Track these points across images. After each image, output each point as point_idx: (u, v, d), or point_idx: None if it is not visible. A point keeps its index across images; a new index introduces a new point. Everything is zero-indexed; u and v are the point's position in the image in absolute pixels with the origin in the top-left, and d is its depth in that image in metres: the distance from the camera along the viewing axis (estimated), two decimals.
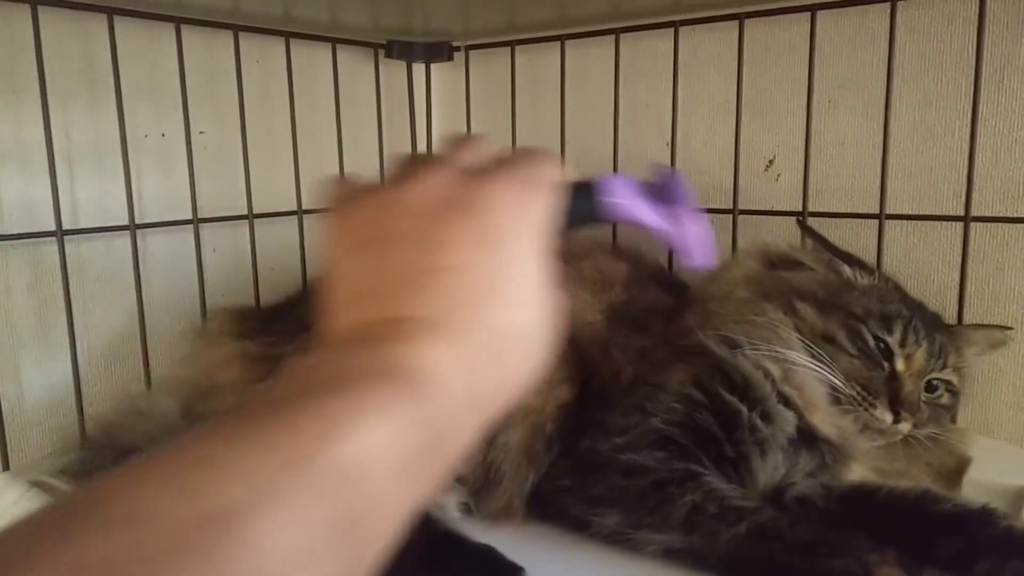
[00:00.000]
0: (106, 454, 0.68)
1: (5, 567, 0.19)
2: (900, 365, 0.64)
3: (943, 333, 0.68)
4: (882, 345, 0.64)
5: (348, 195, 0.36)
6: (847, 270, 0.68)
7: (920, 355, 0.64)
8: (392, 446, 0.26)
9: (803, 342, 0.63)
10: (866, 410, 0.62)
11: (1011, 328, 0.73)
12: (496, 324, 0.32)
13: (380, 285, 0.33)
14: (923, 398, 0.65)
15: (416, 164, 0.36)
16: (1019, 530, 0.53)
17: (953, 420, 0.74)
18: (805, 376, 0.63)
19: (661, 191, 0.41)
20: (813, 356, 0.63)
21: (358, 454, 0.25)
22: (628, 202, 0.40)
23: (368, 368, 0.29)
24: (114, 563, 0.20)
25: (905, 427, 0.63)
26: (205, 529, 0.21)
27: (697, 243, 0.40)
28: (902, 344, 0.64)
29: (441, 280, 0.32)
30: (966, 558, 0.52)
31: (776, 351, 0.63)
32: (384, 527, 0.26)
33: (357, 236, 0.34)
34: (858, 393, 0.62)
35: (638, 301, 0.74)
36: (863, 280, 0.68)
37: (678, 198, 0.41)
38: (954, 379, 0.68)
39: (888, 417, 0.62)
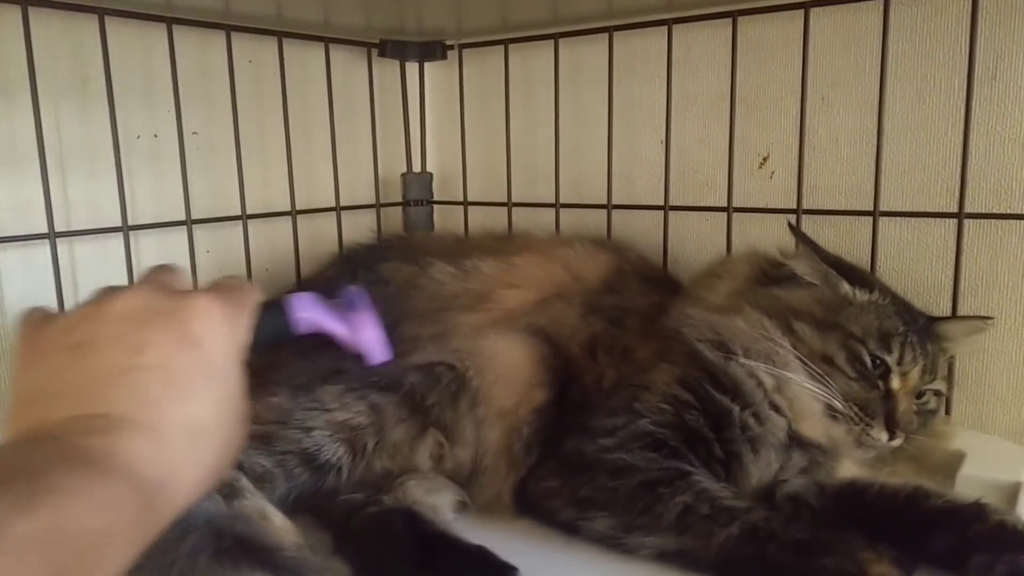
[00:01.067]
0: None
1: None
2: (896, 383, 0.64)
3: (934, 341, 0.68)
4: (879, 364, 0.64)
5: (44, 314, 0.40)
6: (845, 286, 0.67)
7: (916, 373, 0.65)
8: (82, 521, 0.29)
9: (802, 363, 0.63)
10: (862, 430, 0.63)
11: (990, 318, 0.73)
12: (189, 419, 0.36)
13: (78, 385, 0.35)
14: (914, 408, 0.65)
15: (116, 288, 0.40)
16: (1011, 525, 0.53)
17: (947, 411, 0.75)
18: (798, 391, 0.63)
19: (342, 302, 0.48)
20: (812, 377, 0.63)
21: (47, 527, 0.28)
22: (313, 315, 0.46)
23: (72, 456, 0.31)
24: None
25: (898, 443, 0.63)
26: None
27: (374, 345, 0.48)
28: (899, 362, 0.64)
29: (139, 379, 0.35)
30: (959, 554, 0.52)
31: (775, 371, 0.63)
32: None
33: (56, 342, 0.37)
34: (855, 414, 0.62)
35: (622, 299, 0.74)
36: (861, 296, 0.67)
37: (356, 307, 0.48)
38: (942, 387, 0.68)
39: (884, 436, 0.63)
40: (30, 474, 0.30)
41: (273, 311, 0.45)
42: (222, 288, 0.41)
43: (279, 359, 0.68)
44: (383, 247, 0.93)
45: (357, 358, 0.48)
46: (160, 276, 0.41)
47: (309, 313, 0.46)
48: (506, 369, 0.68)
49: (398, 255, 0.83)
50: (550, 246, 0.82)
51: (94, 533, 0.30)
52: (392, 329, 0.50)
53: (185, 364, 0.37)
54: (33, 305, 0.42)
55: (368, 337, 0.48)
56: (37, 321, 0.39)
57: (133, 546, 0.32)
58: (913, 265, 0.81)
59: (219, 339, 0.38)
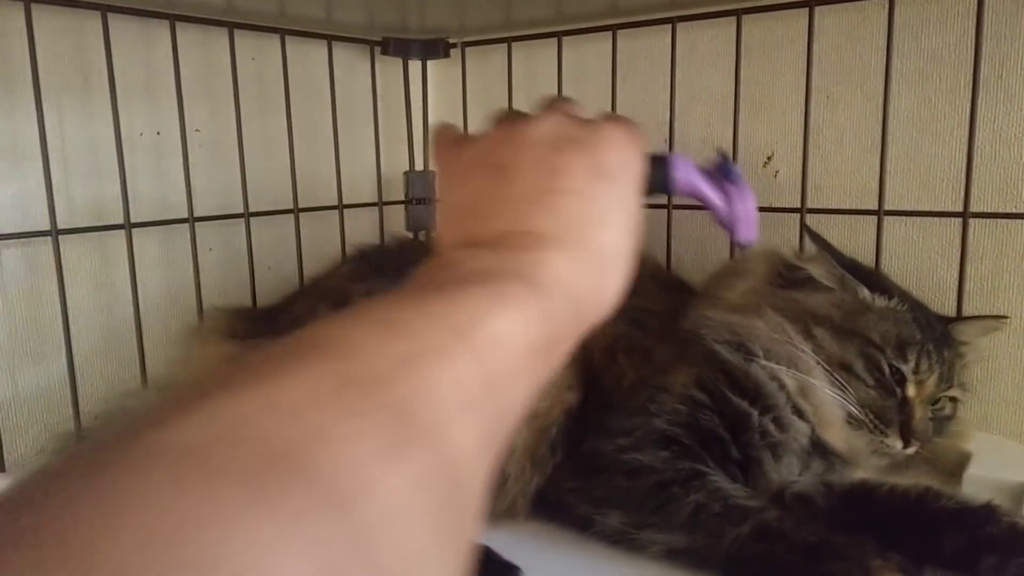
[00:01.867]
0: None
1: (260, 374, 0.24)
2: (912, 391, 0.63)
3: (951, 348, 0.67)
4: (896, 372, 0.63)
5: (457, 133, 0.43)
6: (864, 291, 0.66)
7: (932, 381, 0.64)
8: (525, 330, 0.31)
9: (824, 369, 0.63)
10: (877, 437, 0.62)
11: (1005, 317, 0.73)
12: (601, 244, 0.38)
13: (504, 203, 0.37)
14: (929, 415, 0.65)
15: (523, 114, 0.41)
16: (1022, 527, 0.53)
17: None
18: (824, 397, 0.62)
19: (718, 172, 0.47)
20: (832, 383, 0.62)
21: (503, 331, 0.30)
22: (692, 178, 0.46)
23: (502, 268, 0.34)
24: (345, 378, 0.24)
25: (912, 451, 0.63)
26: (403, 366, 0.26)
27: (745, 220, 0.46)
28: (916, 371, 0.64)
29: (559, 202, 0.37)
30: (969, 556, 0.52)
31: (798, 376, 0.62)
32: (519, 397, 0.31)
33: (479, 162, 0.39)
34: (871, 421, 0.62)
35: (641, 300, 0.73)
36: (879, 302, 0.66)
37: (732, 179, 0.47)
38: (959, 394, 0.68)
39: (899, 445, 0.62)
40: (491, 278, 0.32)
41: (657, 163, 0.44)
42: (623, 121, 0.42)
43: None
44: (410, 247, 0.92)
45: (726, 231, 0.47)
46: (565, 106, 0.42)
47: (689, 176, 0.46)
48: None
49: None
50: None
51: (540, 341, 0.32)
52: None
53: (599, 191, 0.38)
54: (442, 122, 0.44)
55: (742, 211, 0.46)
56: (452, 140, 0.42)
57: (554, 365, 0.34)
58: (918, 264, 0.80)
59: (626, 169, 0.40)
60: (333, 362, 0.25)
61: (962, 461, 0.66)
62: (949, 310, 0.77)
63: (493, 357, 0.29)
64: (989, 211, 0.76)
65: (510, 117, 0.41)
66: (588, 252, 0.37)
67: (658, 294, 0.75)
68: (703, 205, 0.46)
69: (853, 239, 0.82)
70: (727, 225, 0.47)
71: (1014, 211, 0.75)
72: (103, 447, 0.20)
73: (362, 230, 1.04)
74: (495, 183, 0.38)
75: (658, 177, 0.44)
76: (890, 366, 0.63)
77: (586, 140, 0.39)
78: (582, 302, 0.36)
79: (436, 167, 0.42)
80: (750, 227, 0.47)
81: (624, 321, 0.71)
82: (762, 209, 0.86)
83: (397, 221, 1.10)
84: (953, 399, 0.67)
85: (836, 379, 0.62)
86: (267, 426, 0.21)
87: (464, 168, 0.40)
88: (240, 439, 0.20)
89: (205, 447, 0.20)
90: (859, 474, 0.63)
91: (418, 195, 1.10)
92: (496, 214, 0.37)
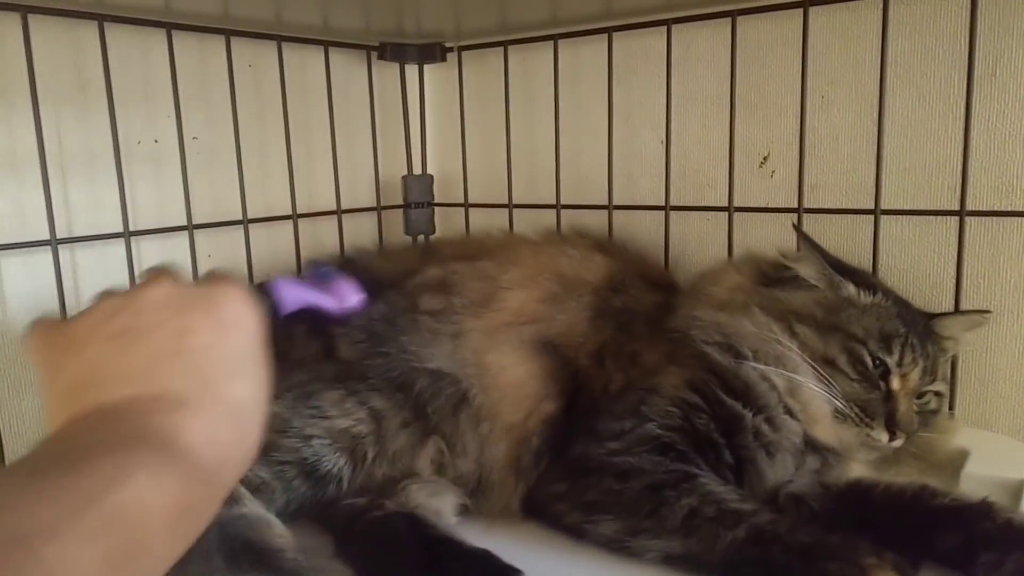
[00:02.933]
0: None
1: None
2: (896, 384, 0.64)
3: (934, 343, 0.68)
4: (879, 365, 0.64)
5: (54, 320, 0.41)
6: (849, 288, 0.67)
7: (915, 374, 0.65)
8: (159, 500, 0.31)
9: (809, 365, 0.63)
10: (863, 430, 0.63)
11: (988, 311, 0.73)
12: (237, 397, 0.38)
13: (130, 367, 0.36)
14: (914, 409, 0.65)
15: (127, 290, 0.41)
16: (1018, 523, 0.53)
17: (951, 408, 0.75)
18: (810, 394, 0.63)
19: (315, 277, 0.51)
20: (818, 379, 0.63)
21: (133, 502, 0.29)
22: (297, 294, 0.49)
23: (134, 436, 0.33)
24: None
25: (899, 443, 0.64)
26: (9, 547, 0.25)
27: (355, 303, 0.51)
28: (899, 364, 0.64)
29: (190, 360, 0.37)
30: (966, 552, 0.52)
31: (786, 374, 0.63)
32: (159, 562, 0.31)
33: (94, 334, 0.38)
34: (856, 414, 0.63)
35: (626, 303, 0.73)
36: (864, 298, 0.67)
37: (331, 278, 0.51)
38: (942, 388, 0.69)
39: (884, 437, 0.63)
40: (113, 449, 0.31)
41: (262, 295, 0.46)
42: (225, 279, 0.42)
43: (277, 367, 0.68)
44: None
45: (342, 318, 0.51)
46: (167, 275, 0.42)
47: (293, 293, 0.48)
48: (511, 387, 0.67)
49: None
50: (546, 246, 0.82)
51: (172, 510, 0.31)
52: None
53: (227, 347, 0.39)
54: (36, 314, 0.43)
55: (349, 297, 0.50)
56: (47, 326, 0.40)
57: (198, 526, 0.34)
58: (915, 263, 0.80)
59: (247, 321, 0.40)
60: None
61: (958, 459, 0.66)
62: (946, 308, 0.77)
63: (122, 530, 0.28)
64: (985, 209, 0.76)
65: (114, 293, 0.40)
66: (226, 407, 0.37)
67: (644, 293, 0.75)
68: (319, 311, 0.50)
69: (850, 238, 0.82)
70: (342, 313, 0.51)
71: (1010, 209, 0.75)
72: None
73: (360, 235, 1.04)
74: (116, 350, 0.37)
75: (268, 304, 0.46)
76: (874, 359, 0.64)
77: (204, 299, 0.39)
78: (222, 460, 0.36)
79: (33, 361, 0.39)
80: (358, 302, 0.51)
81: (610, 326, 0.71)
82: (759, 210, 0.87)
83: (396, 225, 1.11)
84: (938, 393, 0.68)
85: (821, 374, 0.63)
86: None
87: (72, 345, 0.38)
88: None
89: None
90: (854, 471, 0.64)
91: (416, 199, 1.10)
92: (121, 380, 0.36)
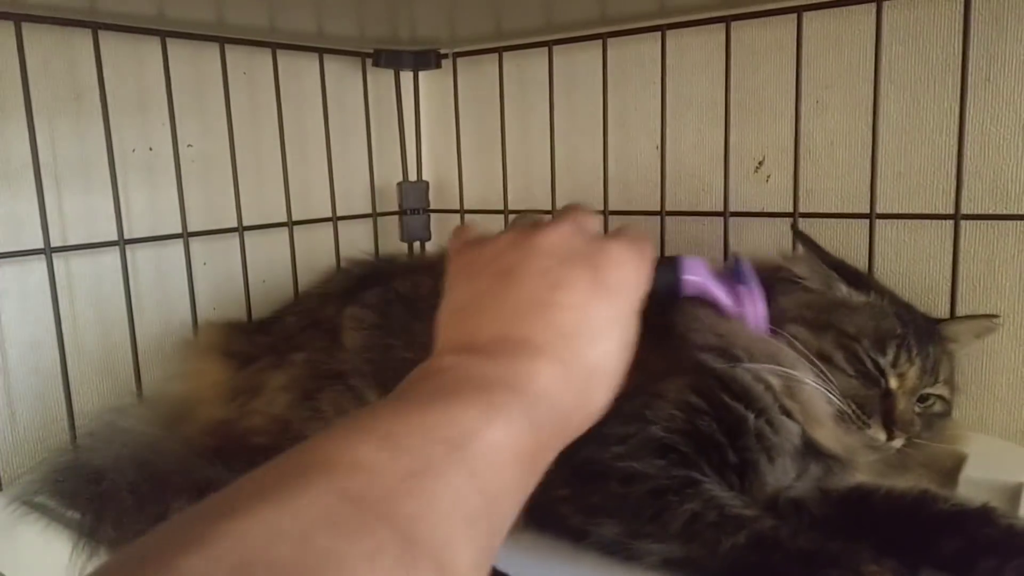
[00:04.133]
0: (72, 478, 0.65)
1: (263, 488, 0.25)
2: (893, 383, 0.64)
3: (936, 344, 0.68)
4: (876, 365, 0.64)
5: (472, 233, 0.45)
6: (843, 288, 0.67)
7: (912, 373, 0.65)
8: (515, 441, 0.32)
9: (806, 359, 0.63)
10: (860, 428, 0.63)
11: (996, 316, 0.73)
12: (590, 360, 0.39)
13: (502, 307, 0.39)
14: (916, 410, 0.65)
15: (539, 220, 0.43)
16: (1020, 528, 0.53)
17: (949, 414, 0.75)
18: (811, 392, 0.62)
19: (730, 273, 0.48)
20: (815, 374, 0.62)
21: (495, 443, 0.31)
22: (702, 280, 0.47)
23: (494, 376, 0.35)
24: (350, 498, 0.25)
25: (898, 443, 0.63)
26: (406, 484, 0.26)
27: (753, 321, 0.48)
28: (894, 364, 0.64)
29: (556, 314, 0.38)
30: (967, 558, 0.52)
31: (781, 371, 0.62)
32: (510, 509, 0.32)
33: (488, 264, 0.41)
34: (853, 411, 0.62)
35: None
36: (858, 298, 0.67)
37: (743, 280, 0.48)
38: (946, 392, 0.68)
39: (882, 435, 0.63)
40: (482, 388, 0.33)
41: (666, 268, 0.45)
42: (632, 238, 0.43)
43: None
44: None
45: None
46: (579, 217, 0.43)
47: (698, 277, 0.47)
48: None
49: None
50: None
51: (527, 451, 0.33)
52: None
53: (597, 309, 0.39)
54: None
55: (752, 312, 0.48)
56: (466, 241, 0.44)
57: (538, 474, 0.35)
58: (911, 267, 0.81)
59: (628, 288, 0.41)
60: (336, 480, 0.25)
61: (957, 463, 0.66)
62: (942, 312, 0.77)
63: (488, 471, 0.30)
64: (980, 213, 0.76)
65: (526, 222, 0.43)
66: (577, 366, 0.38)
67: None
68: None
69: (845, 243, 0.83)
70: (736, 316, 0.48)
71: (1005, 212, 0.75)
72: None
73: (356, 242, 1.04)
74: (498, 286, 0.39)
75: (669, 281, 0.46)
76: (869, 357, 0.64)
77: (593, 256, 0.40)
78: (567, 414, 0.37)
79: (448, 264, 0.43)
80: (760, 328, 0.48)
81: None
82: (755, 215, 0.87)
83: (392, 232, 1.11)
84: (941, 397, 0.68)
85: (819, 370, 0.63)
86: (279, 553, 0.21)
87: (473, 268, 0.41)
88: (253, 571, 0.21)
89: None
90: (856, 477, 0.63)
91: (412, 205, 1.10)
92: (494, 317, 0.38)
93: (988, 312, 0.76)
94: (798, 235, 0.74)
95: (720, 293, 0.47)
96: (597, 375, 0.39)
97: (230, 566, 0.20)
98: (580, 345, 0.38)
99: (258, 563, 0.21)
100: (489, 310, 0.39)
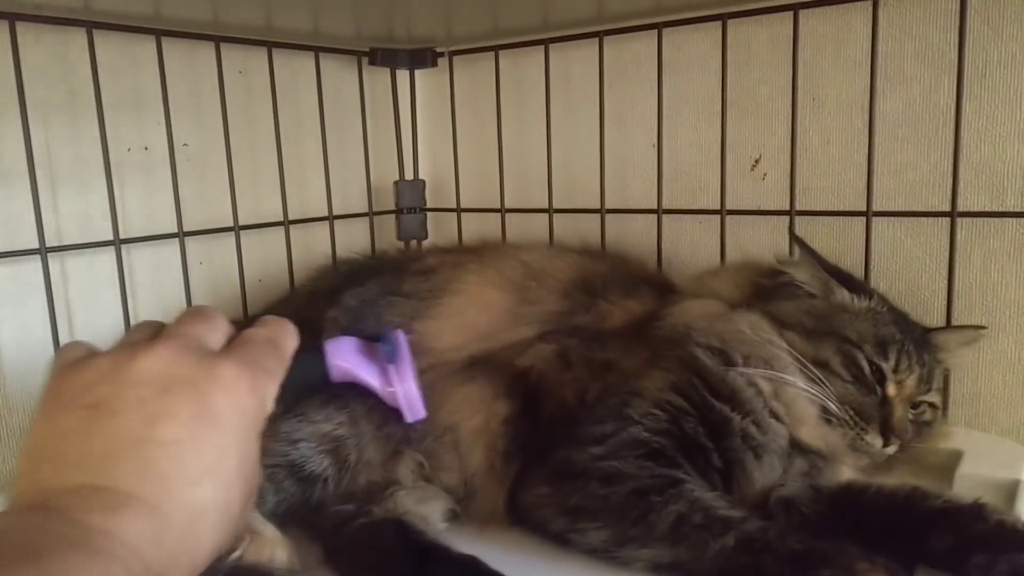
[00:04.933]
0: None
1: None
2: (892, 390, 0.64)
3: (929, 352, 0.68)
4: (875, 370, 0.63)
5: (75, 357, 0.38)
6: (844, 293, 0.67)
7: (912, 381, 0.65)
8: None
9: (799, 365, 0.63)
10: (857, 434, 0.62)
11: (984, 327, 0.73)
12: (195, 502, 0.35)
13: (87, 451, 0.34)
14: (909, 417, 0.65)
15: (151, 334, 0.38)
16: (1010, 524, 0.53)
17: (944, 409, 0.75)
18: (795, 394, 0.62)
19: (383, 348, 0.45)
20: (809, 380, 0.62)
21: None
22: (351, 364, 0.44)
23: (73, 536, 0.31)
24: None
25: (892, 450, 0.63)
26: None
27: (410, 401, 0.45)
28: (895, 370, 0.64)
29: (153, 452, 0.34)
30: (958, 554, 0.52)
31: (772, 375, 0.62)
32: None
33: (76, 396, 0.35)
34: (851, 417, 0.62)
35: (592, 320, 0.72)
36: (859, 304, 0.67)
37: (396, 356, 0.45)
38: (937, 400, 0.68)
39: (879, 442, 0.62)
40: (37, 554, 0.29)
41: (309, 358, 0.43)
42: (255, 349, 0.39)
43: None
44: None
45: (393, 413, 0.45)
46: (193, 328, 0.39)
47: (346, 362, 0.44)
48: (460, 400, 0.67)
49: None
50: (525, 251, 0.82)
51: None
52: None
53: (204, 440, 0.35)
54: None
55: (405, 392, 0.45)
56: (66, 364, 0.38)
57: None
58: (907, 264, 0.80)
59: (240, 415, 0.37)
60: None
61: (950, 461, 0.66)
62: (939, 310, 0.77)
63: None
64: (976, 210, 0.76)
65: (136, 337, 0.38)
66: (177, 511, 0.34)
67: (617, 299, 0.74)
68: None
69: (842, 241, 0.82)
70: (395, 407, 0.45)
71: (1001, 210, 0.75)
72: None
73: (353, 241, 1.04)
74: (88, 423, 0.34)
75: (313, 371, 0.43)
76: (870, 363, 0.63)
77: (199, 382, 0.36)
78: (166, 564, 0.33)
79: (48, 385, 0.38)
80: (415, 407, 0.45)
81: (569, 333, 0.70)
82: (751, 212, 0.87)
83: (388, 231, 1.10)
84: (932, 404, 0.68)
85: (812, 375, 0.62)
86: None
87: (59, 400, 0.36)
88: None
89: None
90: (845, 475, 0.63)
91: (408, 204, 1.10)
92: (77, 463, 0.34)
93: (984, 308, 0.76)
94: (795, 239, 0.74)
95: (371, 377, 0.44)
96: (204, 516, 0.35)
97: None
98: (180, 486, 0.34)
99: None
100: (71, 454, 0.34)
